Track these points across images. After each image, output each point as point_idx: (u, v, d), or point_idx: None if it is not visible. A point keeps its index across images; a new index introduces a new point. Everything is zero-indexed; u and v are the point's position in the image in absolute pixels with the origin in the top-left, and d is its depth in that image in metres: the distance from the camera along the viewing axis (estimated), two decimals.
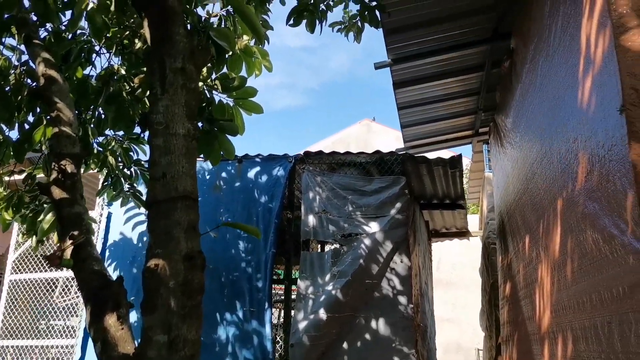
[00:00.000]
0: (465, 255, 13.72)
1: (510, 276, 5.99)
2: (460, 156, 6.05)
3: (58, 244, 2.41)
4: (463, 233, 9.89)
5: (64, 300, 7.51)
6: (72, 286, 7.37)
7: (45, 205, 4.21)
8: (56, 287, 7.53)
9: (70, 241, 2.34)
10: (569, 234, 3.17)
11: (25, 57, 3.82)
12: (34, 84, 3.75)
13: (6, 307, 7.28)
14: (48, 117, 3.86)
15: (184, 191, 2.01)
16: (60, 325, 7.12)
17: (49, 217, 4.00)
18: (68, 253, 2.32)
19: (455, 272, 14.59)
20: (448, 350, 13.64)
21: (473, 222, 12.03)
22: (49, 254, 2.47)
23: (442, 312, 13.13)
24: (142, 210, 5.57)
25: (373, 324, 5.49)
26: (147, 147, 4.51)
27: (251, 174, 6.41)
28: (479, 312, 9.90)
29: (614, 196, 2.37)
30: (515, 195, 5.35)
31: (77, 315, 6.85)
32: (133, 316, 5.31)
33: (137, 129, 4.09)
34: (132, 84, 4.01)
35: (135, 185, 4.86)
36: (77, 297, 7.05)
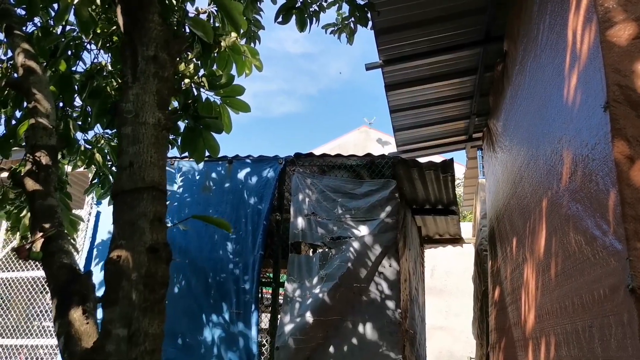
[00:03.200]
0: (460, 262, 13.62)
1: (498, 282, 5.92)
2: (451, 160, 5.99)
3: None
4: (456, 240, 9.84)
5: None
6: None
7: None
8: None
9: (41, 233, 2.28)
10: (553, 236, 3.11)
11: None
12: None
13: None
14: None
15: (151, 182, 1.95)
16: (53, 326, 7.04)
17: None
18: (38, 246, 2.26)
19: (449, 280, 14.49)
20: (440, 358, 13.54)
21: (468, 229, 11.95)
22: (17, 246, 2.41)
23: (436, 319, 13.03)
24: None
25: (360, 328, 5.41)
26: None
27: (241, 175, 6.36)
28: (471, 320, 9.82)
29: (597, 196, 2.31)
30: (505, 200, 5.28)
31: None
32: None
33: None
34: (118, 80, 3.96)
35: None
36: None
